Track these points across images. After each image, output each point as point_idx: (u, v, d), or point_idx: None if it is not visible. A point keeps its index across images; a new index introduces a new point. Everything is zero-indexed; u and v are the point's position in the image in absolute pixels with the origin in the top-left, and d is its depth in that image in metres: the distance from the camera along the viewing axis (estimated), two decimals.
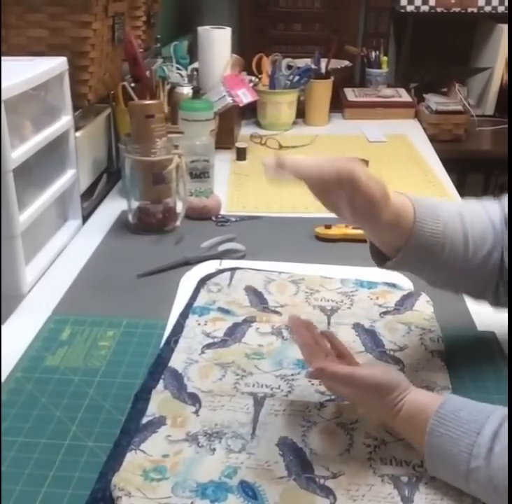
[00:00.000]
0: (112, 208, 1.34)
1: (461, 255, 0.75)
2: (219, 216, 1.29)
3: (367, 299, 0.98)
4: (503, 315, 0.88)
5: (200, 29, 1.73)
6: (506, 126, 2.29)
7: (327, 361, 0.70)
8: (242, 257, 1.12)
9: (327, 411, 0.74)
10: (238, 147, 1.65)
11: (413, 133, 1.93)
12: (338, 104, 2.08)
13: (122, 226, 1.25)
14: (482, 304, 0.82)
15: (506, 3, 2.42)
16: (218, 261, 1.11)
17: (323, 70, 1.98)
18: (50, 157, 1.12)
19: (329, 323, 0.91)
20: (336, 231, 1.19)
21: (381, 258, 0.77)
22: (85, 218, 1.29)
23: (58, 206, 1.20)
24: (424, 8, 2.46)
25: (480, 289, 0.79)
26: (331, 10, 2.70)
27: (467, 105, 2.30)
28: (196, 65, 1.84)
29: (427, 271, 0.79)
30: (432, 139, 1.96)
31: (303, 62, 1.97)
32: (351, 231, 1.18)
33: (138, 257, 1.13)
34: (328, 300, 0.97)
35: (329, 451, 0.68)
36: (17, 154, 0.98)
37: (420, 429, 0.64)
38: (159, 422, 0.72)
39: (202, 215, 1.28)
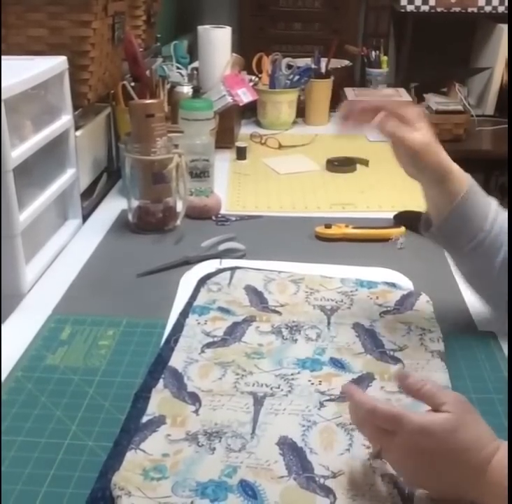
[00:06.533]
0: (112, 207, 1.34)
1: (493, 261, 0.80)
2: (219, 216, 1.29)
3: (367, 298, 0.98)
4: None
5: (200, 28, 1.73)
6: (506, 126, 2.29)
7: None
8: (242, 257, 1.12)
9: (327, 411, 0.74)
10: (238, 146, 1.65)
11: None
12: (338, 104, 2.07)
13: (122, 225, 1.25)
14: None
15: (506, 3, 2.42)
16: (218, 260, 1.10)
17: (323, 69, 1.98)
18: (50, 157, 1.12)
19: (328, 323, 0.91)
20: (336, 231, 1.19)
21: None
22: (85, 218, 1.29)
23: (58, 205, 1.20)
24: (424, 8, 2.46)
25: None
26: (331, 10, 2.70)
27: (467, 105, 2.31)
28: (196, 64, 1.84)
29: (459, 251, 0.84)
30: None
31: (303, 62, 1.97)
32: (351, 231, 1.18)
33: (138, 256, 1.13)
34: (328, 300, 0.97)
35: (329, 451, 0.68)
36: (17, 153, 0.98)
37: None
38: (159, 421, 0.72)
39: (202, 214, 1.28)
